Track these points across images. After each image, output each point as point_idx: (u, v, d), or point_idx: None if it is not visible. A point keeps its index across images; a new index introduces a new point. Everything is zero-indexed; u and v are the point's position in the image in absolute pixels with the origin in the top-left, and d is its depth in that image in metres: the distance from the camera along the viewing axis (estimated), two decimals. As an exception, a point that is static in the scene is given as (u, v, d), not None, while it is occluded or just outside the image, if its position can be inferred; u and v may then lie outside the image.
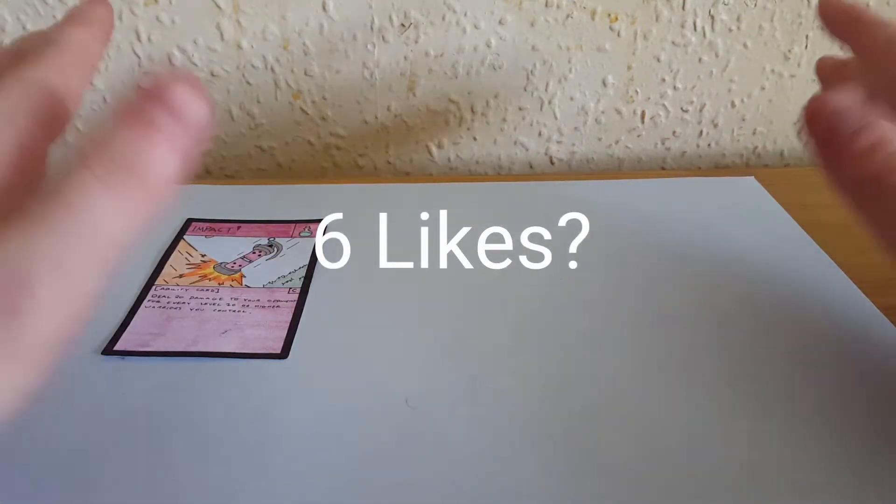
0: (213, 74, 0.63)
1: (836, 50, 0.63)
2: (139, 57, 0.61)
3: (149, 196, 0.26)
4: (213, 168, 0.68)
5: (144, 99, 0.26)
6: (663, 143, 0.69)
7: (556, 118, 0.67)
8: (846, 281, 0.48)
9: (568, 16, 0.62)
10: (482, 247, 0.51)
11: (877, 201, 0.34)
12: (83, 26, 0.33)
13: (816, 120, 0.35)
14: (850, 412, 0.38)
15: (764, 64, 0.65)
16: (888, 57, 0.38)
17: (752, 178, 0.61)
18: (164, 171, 0.26)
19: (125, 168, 0.25)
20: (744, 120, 0.68)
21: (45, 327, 0.24)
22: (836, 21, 0.43)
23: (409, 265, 0.50)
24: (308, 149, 0.67)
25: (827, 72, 0.45)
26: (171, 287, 0.47)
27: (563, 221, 0.54)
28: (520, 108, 0.67)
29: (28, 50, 0.31)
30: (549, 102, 0.66)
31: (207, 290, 0.47)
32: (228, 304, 0.45)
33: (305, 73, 0.63)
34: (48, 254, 0.24)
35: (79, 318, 0.25)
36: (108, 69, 0.62)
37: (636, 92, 0.66)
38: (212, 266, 0.49)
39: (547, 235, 0.53)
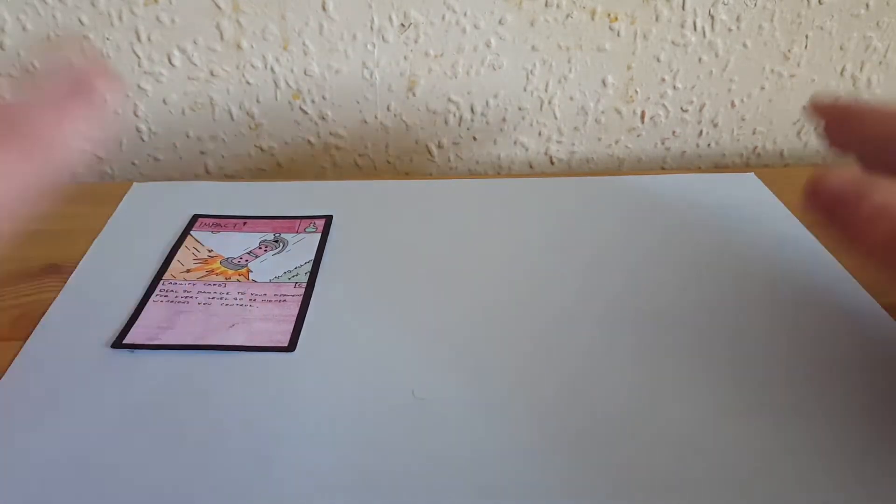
0: (213, 74, 0.63)
1: (835, 49, 0.64)
2: (139, 57, 0.61)
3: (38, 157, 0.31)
4: (213, 168, 0.68)
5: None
6: (663, 143, 0.69)
7: (556, 118, 0.67)
8: (849, 278, 0.48)
9: (568, 16, 0.62)
10: (486, 242, 0.51)
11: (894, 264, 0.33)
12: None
13: (818, 196, 0.35)
14: (853, 409, 0.38)
15: (764, 64, 0.66)
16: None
17: (753, 174, 0.61)
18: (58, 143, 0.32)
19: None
20: (744, 120, 0.68)
21: None
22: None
23: (414, 259, 0.50)
24: (308, 149, 0.67)
25: (825, 113, 0.45)
26: (178, 282, 0.47)
27: (563, 218, 0.54)
28: (520, 108, 0.67)
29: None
30: (549, 102, 0.66)
31: (215, 284, 0.47)
32: (236, 299, 0.45)
33: (305, 73, 0.63)
34: None
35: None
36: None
37: (636, 92, 0.66)
38: (219, 261, 0.49)
39: (548, 232, 0.53)
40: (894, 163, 0.39)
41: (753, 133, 0.69)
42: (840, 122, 0.43)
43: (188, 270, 0.48)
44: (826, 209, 0.34)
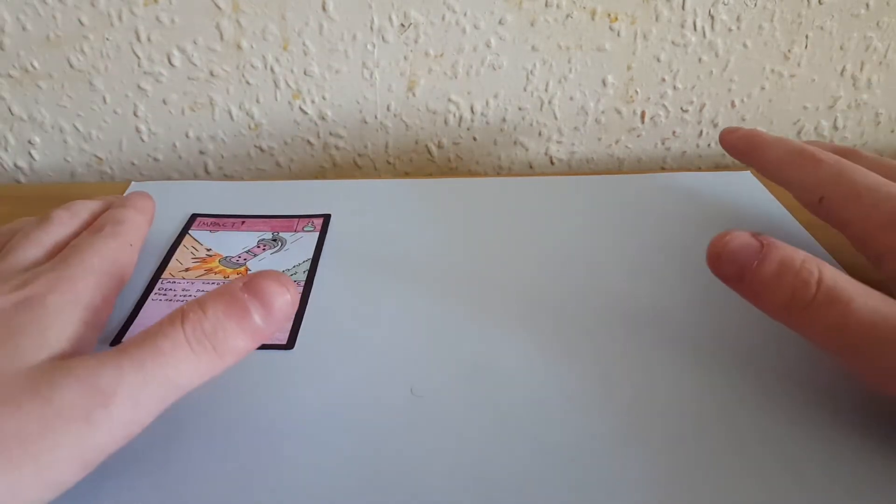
0: (212, 74, 0.63)
1: (835, 49, 0.64)
2: (139, 57, 0.61)
3: (221, 365, 0.33)
4: (213, 168, 0.68)
5: (244, 288, 0.34)
6: (663, 143, 0.69)
7: (556, 118, 0.67)
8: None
9: (568, 16, 0.62)
10: (485, 242, 0.51)
11: (805, 318, 0.34)
12: (141, 214, 0.46)
13: (720, 263, 0.36)
14: (851, 410, 0.38)
15: (764, 64, 0.66)
16: (785, 168, 0.46)
17: (749, 172, 0.61)
18: (239, 351, 0.33)
19: (211, 342, 0.32)
20: (744, 120, 0.68)
21: (105, 440, 0.30)
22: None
23: (412, 258, 0.50)
24: (308, 149, 0.67)
25: (735, 144, 0.52)
26: (177, 280, 0.47)
27: (563, 218, 0.54)
28: (520, 108, 0.67)
29: (104, 222, 0.43)
30: (549, 102, 0.66)
31: (213, 283, 0.47)
32: (234, 297, 0.45)
33: (305, 73, 0.63)
34: (132, 385, 0.30)
35: (127, 441, 0.31)
36: (107, 69, 0.62)
37: (636, 92, 0.66)
38: (217, 260, 0.49)
39: (548, 231, 0.53)
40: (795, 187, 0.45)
41: (754, 133, 0.69)
42: (745, 152, 0.50)
43: (187, 269, 0.48)
44: (731, 275, 0.36)
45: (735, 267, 0.36)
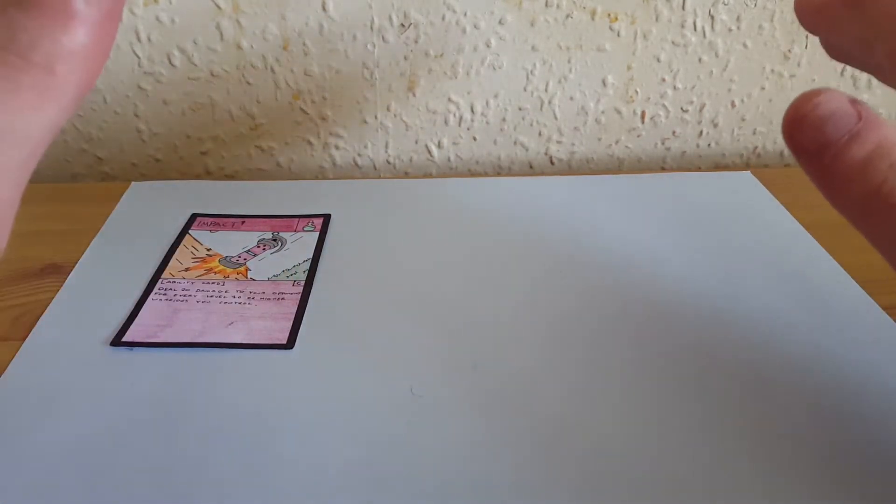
0: (213, 74, 0.63)
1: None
2: (139, 57, 0.61)
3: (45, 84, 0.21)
4: (214, 168, 0.68)
5: None
6: (663, 143, 0.69)
7: (556, 118, 0.67)
8: (845, 277, 0.48)
9: (568, 16, 0.62)
10: (485, 242, 0.51)
11: (883, 221, 0.26)
12: None
13: (800, 129, 0.26)
14: (850, 410, 0.38)
15: (764, 64, 0.66)
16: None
17: (749, 172, 0.61)
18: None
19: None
20: (744, 120, 0.68)
21: None
22: None
23: (412, 258, 0.50)
24: (308, 149, 0.67)
25: (809, 14, 0.33)
26: (177, 280, 0.47)
27: (563, 218, 0.54)
28: (520, 108, 0.67)
29: None
30: (549, 102, 0.66)
31: (213, 283, 0.47)
32: (234, 297, 0.45)
33: (305, 73, 0.63)
34: None
35: None
36: (108, 69, 0.62)
37: (636, 92, 0.66)
38: (217, 260, 0.49)
39: (545, 230, 0.53)
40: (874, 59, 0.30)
41: (754, 133, 0.69)
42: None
43: (187, 269, 0.48)
44: (809, 146, 0.26)
45: (818, 137, 0.26)
